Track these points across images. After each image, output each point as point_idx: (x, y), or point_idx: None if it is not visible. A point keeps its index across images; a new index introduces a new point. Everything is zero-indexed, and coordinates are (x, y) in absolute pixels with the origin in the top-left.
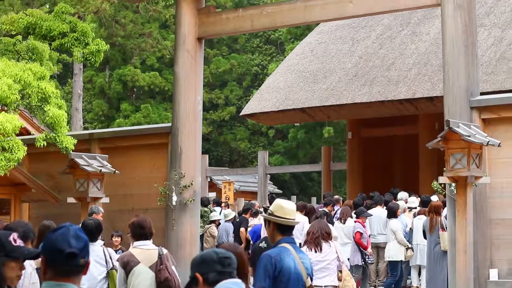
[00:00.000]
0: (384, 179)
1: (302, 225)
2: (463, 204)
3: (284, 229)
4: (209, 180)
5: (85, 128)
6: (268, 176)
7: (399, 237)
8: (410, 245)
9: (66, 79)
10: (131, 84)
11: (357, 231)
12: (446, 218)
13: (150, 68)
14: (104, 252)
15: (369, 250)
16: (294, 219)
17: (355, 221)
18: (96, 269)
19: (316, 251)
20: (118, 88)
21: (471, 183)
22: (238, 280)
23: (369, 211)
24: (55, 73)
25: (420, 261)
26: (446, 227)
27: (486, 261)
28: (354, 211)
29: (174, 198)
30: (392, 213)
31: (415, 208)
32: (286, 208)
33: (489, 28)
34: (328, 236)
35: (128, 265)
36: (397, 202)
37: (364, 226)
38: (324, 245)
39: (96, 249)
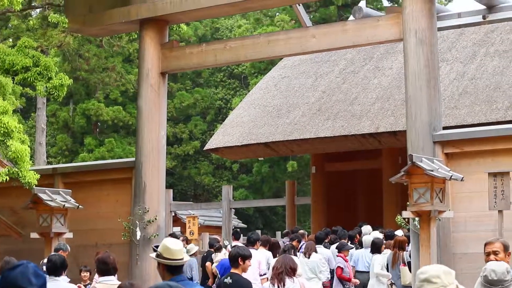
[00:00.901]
0: (348, 213)
1: (266, 259)
2: (427, 238)
3: (172, 270)
4: (173, 214)
5: (48, 163)
6: (233, 210)
7: (383, 274)
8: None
9: (30, 113)
10: (95, 118)
11: (338, 266)
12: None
13: (114, 102)
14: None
15: (354, 280)
16: (181, 259)
17: (337, 255)
18: None
19: (279, 287)
20: (82, 122)
21: (434, 218)
22: None
23: (333, 247)
24: (18, 107)
25: None
26: (407, 263)
27: None
28: (336, 246)
29: (138, 233)
30: (376, 249)
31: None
32: (172, 249)
33: (451, 62)
34: (292, 272)
35: None
36: (364, 236)
37: (346, 261)
38: (288, 280)
39: (61, 284)
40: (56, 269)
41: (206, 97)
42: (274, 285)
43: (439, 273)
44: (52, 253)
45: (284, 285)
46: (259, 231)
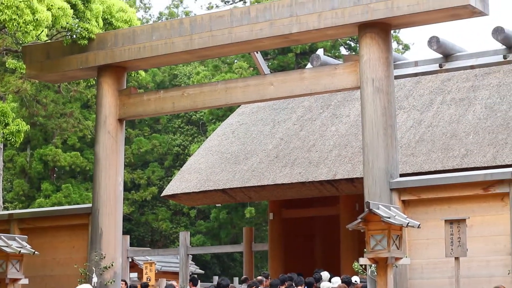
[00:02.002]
0: (305, 259)
1: None
2: (384, 285)
3: None
4: (130, 260)
5: (5, 208)
6: (190, 256)
7: None
8: None
9: None
10: (52, 164)
11: None
12: None
13: (72, 148)
14: None
15: None
16: None
17: None
18: None
19: None
20: (39, 168)
21: (391, 264)
22: None
23: None
24: None
25: None
26: None
27: None
28: None
29: (95, 279)
30: None
31: None
32: None
33: (408, 110)
34: None
35: None
36: (322, 283)
37: None
38: None
39: None
40: None
41: (164, 143)
42: None
43: None
44: None
45: None
46: (216, 277)
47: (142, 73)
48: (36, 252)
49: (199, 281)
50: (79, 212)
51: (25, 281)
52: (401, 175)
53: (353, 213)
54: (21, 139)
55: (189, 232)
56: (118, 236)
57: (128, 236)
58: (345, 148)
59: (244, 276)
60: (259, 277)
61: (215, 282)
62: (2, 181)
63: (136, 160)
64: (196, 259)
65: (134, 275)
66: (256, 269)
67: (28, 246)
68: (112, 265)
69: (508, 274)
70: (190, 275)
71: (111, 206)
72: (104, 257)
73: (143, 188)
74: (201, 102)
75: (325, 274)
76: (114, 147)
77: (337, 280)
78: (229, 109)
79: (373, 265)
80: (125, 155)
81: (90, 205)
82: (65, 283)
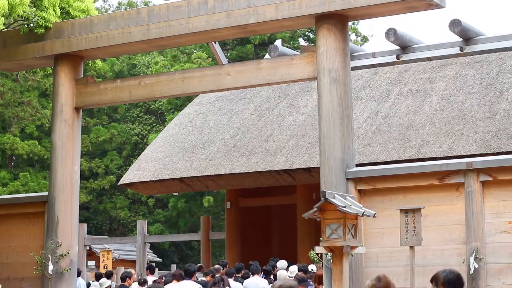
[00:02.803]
0: (263, 248)
1: None
2: (339, 273)
3: None
4: (88, 248)
5: None
6: (148, 245)
7: None
8: None
9: None
10: (9, 152)
11: None
12: None
13: (30, 137)
14: None
15: None
16: None
17: None
18: None
19: None
20: None
21: (347, 253)
22: None
23: (246, 281)
24: None
25: None
26: None
27: None
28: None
29: (50, 267)
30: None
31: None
32: None
33: (366, 101)
34: None
35: None
36: (279, 271)
37: None
38: None
39: None
40: None
41: (122, 132)
42: None
43: None
44: None
45: None
46: (174, 265)
47: (99, 62)
48: None
49: (156, 269)
50: (35, 200)
51: None
52: (358, 165)
53: (310, 202)
54: None
55: (146, 221)
56: (75, 224)
57: (85, 224)
58: (302, 138)
59: (198, 265)
60: (216, 266)
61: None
62: None
63: (94, 149)
64: (154, 247)
65: (92, 263)
66: (214, 258)
67: None
68: (68, 253)
69: (463, 263)
70: (147, 264)
71: (67, 194)
72: (60, 245)
73: (101, 177)
74: (158, 92)
75: (282, 263)
76: (70, 136)
77: (294, 269)
78: (188, 99)
79: (328, 253)
80: (83, 144)
81: (46, 193)
82: (21, 271)
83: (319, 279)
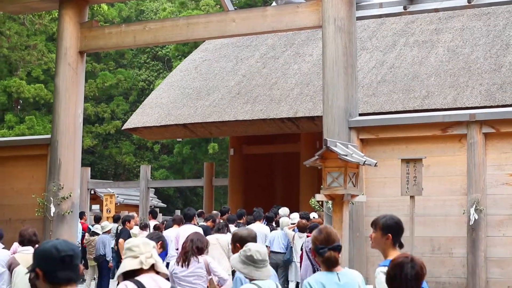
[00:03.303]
0: (265, 195)
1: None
2: (339, 221)
3: None
4: (92, 192)
5: None
6: (153, 190)
7: None
8: None
9: None
10: (16, 96)
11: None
12: None
13: (36, 80)
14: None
15: None
16: None
17: (307, 236)
18: None
19: (183, 266)
20: (3, 99)
21: (347, 201)
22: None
23: (248, 227)
24: None
25: (295, 277)
26: None
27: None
28: (308, 227)
29: (52, 209)
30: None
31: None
32: None
33: (371, 51)
34: (198, 252)
35: (10, 267)
36: (281, 218)
37: None
38: (192, 260)
39: None
40: None
41: (129, 78)
42: (178, 264)
43: (139, 243)
44: None
45: (188, 265)
46: (178, 211)
47: (105, 6)
48: None
49: (160, 214)
50: (38, 142)
51: None
52: (362, 115)
53: (313, 150)
54: None
55: (150, 166)
56: (77, 168)
57: (89, 168)
58: (307, 87)
59: (199, 210)
60: (214, 211)
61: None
62: None
63: (101, 94)
64: (159, 193)
65: (96, 207)
66: (218, 204)
67: None
68: (70, 195)
69: (463, 214)
70: (150, 208)
71: (70, 138)
72: (62, 187)
73: (107, 122)
74: (163, 37)
75: (285, 210)
76: (74, 79)
77: (295, 216)
78: (195, 46)
79: (329, 201)
80: (90, 88)
81: (49, 136)
82: (23, 213)
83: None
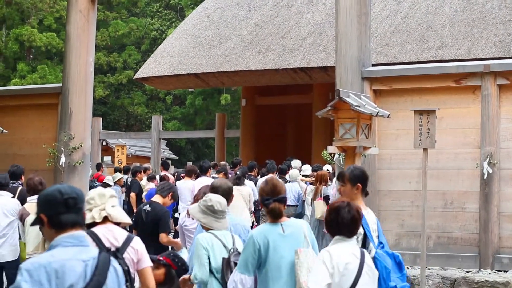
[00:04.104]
0: (277, 147)
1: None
2: None
3: None
4: (104, 143)
5: None
6: (164, 142)
7: None
8: None
9: None
10: (28, 44)
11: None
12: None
13: (48, 29)
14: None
15: None
16: None
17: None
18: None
19: (193, 218)
20: (15, 48)
21: (359, 153)
22: (80, 233)
23: (261, 179)
24: None
25: None
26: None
27: None
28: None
29: (63, 159)
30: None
31: (309, 176)
32: None
33: (385, 0)
34: None
35: (22, 217)
36: (291, 170)
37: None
38: None
39: (5, 198)
40: (0, 185)
41: (141, 27)
42: (189, 216)
43: (94, 195)
44: None
45: None
46: (190, 163)
47: None
48: (4, 131)
49: (172, 166)
50: (49, 91)
51: None
52: (375, 65)
53: (326, 101)
54: None
55: (162, 117)
56: (88, 117)
57: (101, 119)
58: (320, 36)
59: (212, 162)
60: (222, 162)
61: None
62: None
63: (113, 43)
64: (171, 144)
65: (108, 158)
66: (230, 156)
67: None
68: (81, 146)
69: (476, 167)
70: (162, 160)
71: (81, 86)
72: (73, 137)
73: (119, 72)
74: None
75: (296, 162)
76: (85, 27)
77: (307, 168)
78: None
79: (341, 153)
80: (101, 37)
81: (59, 84)
82: (34, 162)
83: (321, 178)
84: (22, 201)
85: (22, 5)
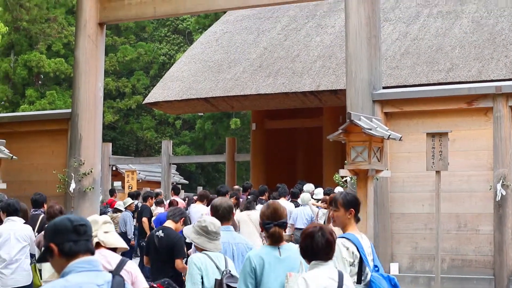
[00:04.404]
0: (288, 171)
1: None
2: (364, 197)
3: None
4: (114, 169)
5: None
6: (175, 166)
7: None
8: None
9: None
10: (36, 70)
11: None
12: None
13: (56, 54)
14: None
15: None
16: None
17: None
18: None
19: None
20: (23, 74)
21: (372, 177)
22: (92, 258)
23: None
24: None
25: None
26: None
27: (387, 255)
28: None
29: (73, 185)
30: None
31: (320, 200)
32: None
33: (394, 22)
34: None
35: (39, 244)
36: (302, 194)
37: None
38: None
39: (17, 224)
40: (13, 211)
41: (149, 51)
42: None
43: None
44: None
45: None
46: (200, 188)
47: None
48: (14, 157)
49: (182, 191)
50: (58, 117)
51: (3, 185)
52: (386, 88)
53: (336, 125)
54: None
55: (171, 141)
56: (98, 142)
57: (111, 144)
58: (329, 59)
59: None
60: (236, 186)
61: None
62: None
63: (121, 68)
64: (181, 169)
65: (118, 183)
66: (240, 180)
67: (6, 151)
68: (91, 171)
69: (490, 189)
70: (172, 185)
71: (90, 112)
72: (83, 163)
73: (128, 97)
74: (183, 7)
75: (309, 186)
76: (94, 52)
77: (319, 192)
78: (216, 19)
79: (353, 177)
80: (110, 63)
81: (69, 110)
82: (44, 189)
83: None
84: (42, 229)
85: (30, 31)
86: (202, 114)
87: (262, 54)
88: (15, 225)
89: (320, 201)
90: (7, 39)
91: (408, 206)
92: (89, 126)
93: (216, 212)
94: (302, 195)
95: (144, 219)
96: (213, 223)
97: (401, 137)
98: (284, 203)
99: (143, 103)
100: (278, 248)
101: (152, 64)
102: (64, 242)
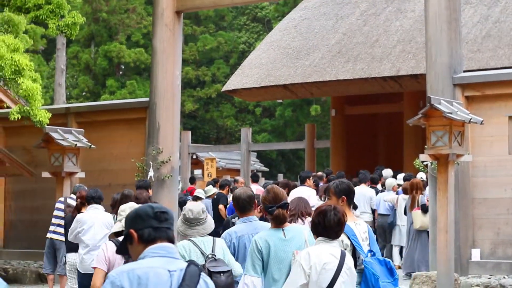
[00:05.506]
0: (368, 157)
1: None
2: (444, 182)
3: None
4: (194, 157)
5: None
6: (254, 154)
7: None
8: None
9: (52, 54)
10: (116, 60)
11: None
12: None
13: (136, 45)
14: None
15: None
16: None
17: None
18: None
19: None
20: (104, 64)
21: (452, 161)
22: (169, 245)
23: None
24: (40, 48)
25: (399, 241)
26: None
27: (468, 240)
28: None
29: (151, 173)
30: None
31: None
32: None
33: (475, 5)
34: (304, 215)
35: None
36: (388, 179)
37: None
38: (299, 222)
39: (100, 212)
40: (96, 198)
41: (229, 40)
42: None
43: (126, 207)
44: (70, 195)
45: None
46: (281, 175)
47: None
48: (92, 146)
49: (263, 178)
50: (137, 106)
51: (81, 174)
52: (467, 71)
53: (416, 110)
54: (77, 31)
55: (251, 129)
56: (176, 131)
57: (190, 132)
58: (409, 44)
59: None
60: (319, 173)
61: (279, 179)
62: (67, 77)
63: (201, 57)
64: (262, 157)
65: (198, 171)
66: (320, 167)
67: (85, 140)
68: (169, 159)
69: None
70: (251, 172)
71: (168, 100)
72: (161, 151)
73: (208, 85)
74: None
75: (387, 171)
76: (171, 40)
77: (401, 177)
78: (294, 6)
79: (433, 162)
80: (190, 52)
81: (147, 99)
82: (122, 177)
83: (416, 186)
84: None
85: (109, 21)
86: (281, 101)
87: (341, 40)
88: (98, 213)
89: (400, 187)
90: (87, 31)
91: (490, 191)
92: (167, 114)
93: (237, 203)
94: (388, 181)
95: (221, 207)
96: (191, 209)
97: (482, 120)
98: (365, 189)
99: (222, 91)
100: (283, 230)
101: (232, 53)
102: (144, 228)
